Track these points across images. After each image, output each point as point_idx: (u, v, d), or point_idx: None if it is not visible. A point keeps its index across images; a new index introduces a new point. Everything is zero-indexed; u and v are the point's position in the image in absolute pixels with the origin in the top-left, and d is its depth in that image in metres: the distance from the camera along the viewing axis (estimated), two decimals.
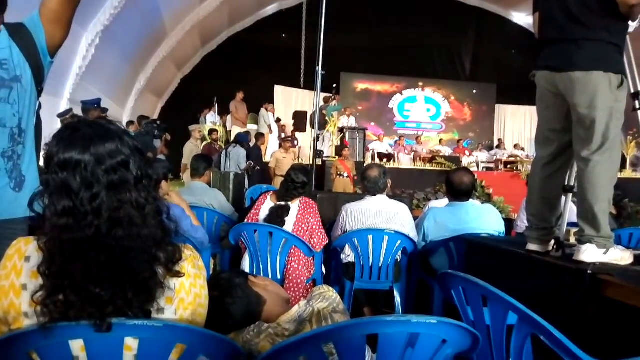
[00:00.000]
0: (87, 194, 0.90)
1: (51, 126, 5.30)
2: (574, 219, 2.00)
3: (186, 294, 1.00)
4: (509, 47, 14.67)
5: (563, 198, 2.12)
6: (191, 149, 8.38)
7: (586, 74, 1.82)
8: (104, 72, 8.07)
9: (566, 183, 2.08)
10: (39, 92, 1.70)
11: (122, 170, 0.93)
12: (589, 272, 1.67)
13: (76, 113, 5.58)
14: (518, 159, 12.06)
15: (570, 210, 2.16)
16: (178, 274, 0.98)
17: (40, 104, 1.73)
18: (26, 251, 0.95)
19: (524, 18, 13.93)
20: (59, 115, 5.66)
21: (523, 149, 13.71)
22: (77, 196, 0.90)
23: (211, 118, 10.75)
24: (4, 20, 1.62)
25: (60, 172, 0.90)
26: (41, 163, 1.22)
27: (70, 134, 0.93)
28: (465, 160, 12.07)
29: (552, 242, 2.05)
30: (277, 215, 2.84)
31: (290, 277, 2.77)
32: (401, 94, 15.90)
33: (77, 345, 0.91)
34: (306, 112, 11.59)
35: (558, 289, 1.80)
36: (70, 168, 0.90)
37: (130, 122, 8.28)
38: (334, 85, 11.68)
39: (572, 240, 2.10)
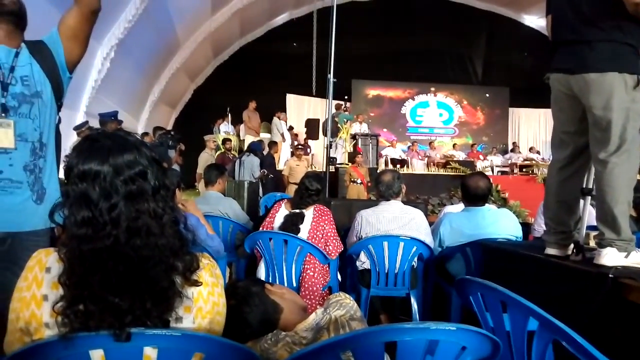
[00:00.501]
0: (106, 204, 0.91)
1: (68, 139, 5.39)
2: (593, 222, 1.97)
3: (204, 302, 1.00)
4: (520, 50, 14.58)
5: (581, 201, 2.08)
6: (206, 158, 8.45)
7: (601, 75, 1.80)
8: (119, 85, 8.19)
9: (584, 186, 2.05)
10: (59, 107, 1.74)
11: (140, 181, 0.94)
12: (610, 275, 1.63)
13: (92, 125, 5.66)
14: (533, 162, 11.92)
15: (589, 213, 2.12)
16: (196, 283, 0.99)
17: (59, 118, 1.77)
18: (47, 262, 0.97)
19: (535, 20, 13.83)
20: (75, 128, 5.75)
21: (538, 152, 13.58)
22: (96, 206, 0.91)
23: (225, 128, 10.84)
24: (24, 37, 1.66)
25: (80, 183, 0.92)
26: (61, 175, 1.25)
27: (89, 146, 0.95)
28: (479, 165, 11.98)
29: (572, 246, 2.02)
30: (292, 223, 2.84)
31: (306, 285, 2.76)
32: (413, 99, 15.86)
33: (97, 355, 0.91)
34: (318, 120, 11.62)
35: (579, 293, 1.76)
36: (90, 179, 0.91)
37: (145, 134, 8.37)
38: (345, 97, 11.72)
39: (592, 244, 2.06)
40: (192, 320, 0.98)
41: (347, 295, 1.49)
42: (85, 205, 0.91)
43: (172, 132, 6.24)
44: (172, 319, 0.96)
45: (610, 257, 1.79)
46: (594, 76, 1.81)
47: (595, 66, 1.81)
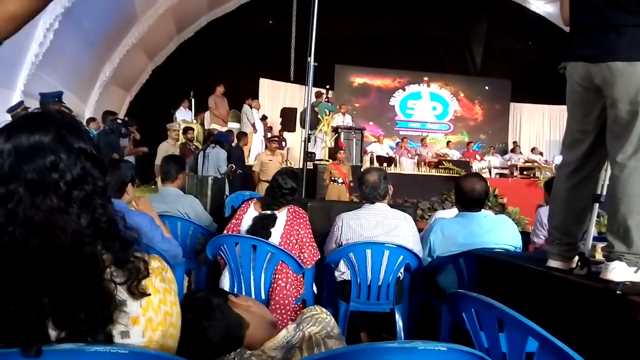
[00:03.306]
0: (1, 190, 0.89)
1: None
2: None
3: (154, 312, 0.97)
4: (525, 39, 14.85)
5: None
6: (166, 149, 8.33)
7: (630, 65, 1.81)
8: (64, 61, 8.02)
9: (596, 192, 2.07)
10: None
11: (50, 171, 0.92)
12: (618, 292, 1.66)
13: (29, 107, 5.53)
14: (535, 164, 12.17)
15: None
16: (144, 294, 0.96)
17: None
18: None
19: (542, 6, 14.11)
20: (9, 110, 5.61)
21: (541, 153, 13.85)
22: None
23: (182, 115, 10.68)
24: None
25: None
26: None
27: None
28: (475, 166, 12.16)
29: (576, 258, 2.05)
30: (262, 226, 2.83)
31: (277, 297, 2.75)
32: (404, 89, 15.98)
33: None
34: (295, 109, 11.62)
35: (583, 311, 1.79)
36: None
37: (91, 119, 8.22)
38: (327, 87, 11.76)
39: (599, 256, 2.10)
40: (142, 333, 0.95)
41: (324, 310, 1.48)
42: None
43: (126, 118, 6.16)
44: (117, 334, 0.93)
45: (618, 272, 1.82)
46: (622, 65, 1.82)
47: (623, 54, 1.82)
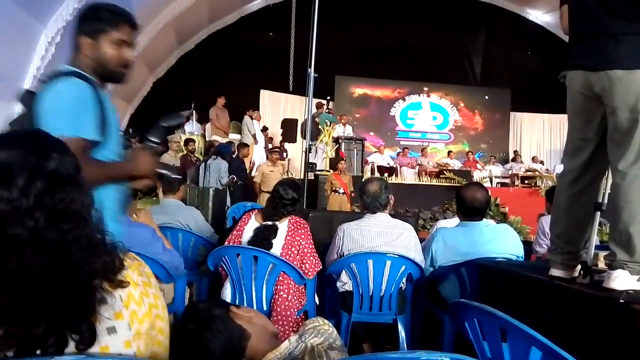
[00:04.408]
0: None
1: None
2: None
3: (137, 304, 0.97)
4: (524, 48, 14.90)
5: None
6: (167, 161, 8.37)
7: (628, 73, 1.82)
8: None
9: (597, 200, 2.07)
10: None
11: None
12: (621, 301, 1.65)
13: None
14: (536, 173, 12.17)
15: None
16: (121, 284, 0.95)
17: None
18: None
19: (541, 16, 14.14)
20: (11, 124, 5.62)
21: (542, 162, 13.85)
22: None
23: (189, 127, 10.75)
24: None
25: None
26: None
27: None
28: (476, 175, 12.16)
29: (579, 267, 2.05)
30: (263, 237, 2.82)
31: (279, 309, 2.74)
32: (404, 100, 16.04)
33: None
34: (296, 120, 11.66)
35: (586, 320, 1.79)
36: None
37: None
38: (327, 98, 11.82)
39: (601, 265, 2.09)
40: (128, 327, 0.94)
41: (326, 321, 1.47)
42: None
43: (130, 129, 6.17)
44: (103, 329, 0.91)
45: (621, 280, 1.81)
46: (621, 74, 1.83)
47: (622, 62, 1.83)
